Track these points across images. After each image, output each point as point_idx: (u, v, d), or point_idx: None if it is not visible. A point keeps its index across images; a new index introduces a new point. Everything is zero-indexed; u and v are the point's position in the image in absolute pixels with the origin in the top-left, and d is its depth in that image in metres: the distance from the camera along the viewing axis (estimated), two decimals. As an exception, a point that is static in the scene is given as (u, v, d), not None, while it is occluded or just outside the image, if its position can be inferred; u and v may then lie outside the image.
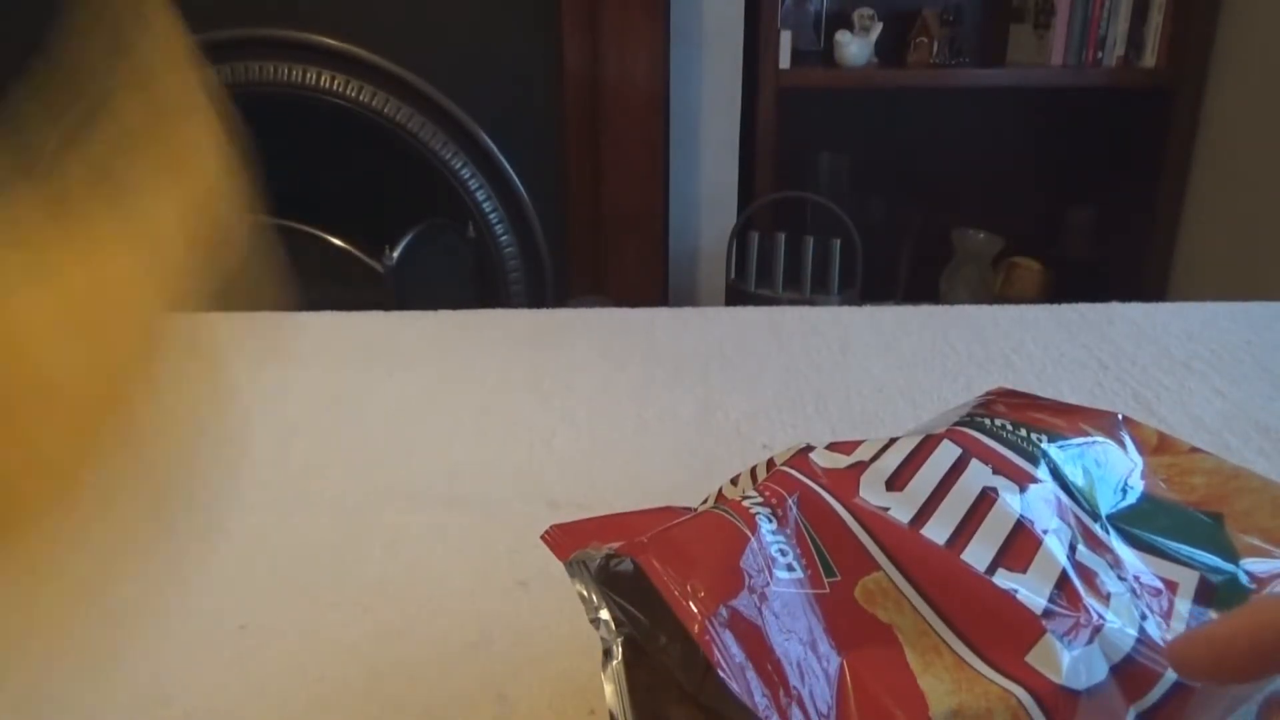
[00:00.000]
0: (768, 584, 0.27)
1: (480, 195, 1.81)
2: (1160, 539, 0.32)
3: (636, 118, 1.82)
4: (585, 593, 0.28)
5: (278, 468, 0.55)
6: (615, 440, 0.58)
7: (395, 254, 1.75)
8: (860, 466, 0.32)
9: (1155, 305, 0.77)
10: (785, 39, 2.03)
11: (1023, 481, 0.31)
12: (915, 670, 0.26)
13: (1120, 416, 0.37)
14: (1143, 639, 0.27)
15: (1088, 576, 0.29)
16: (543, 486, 0.52)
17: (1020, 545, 0.29)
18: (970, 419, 0.35)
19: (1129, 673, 0.27)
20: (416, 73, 1.75)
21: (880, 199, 2.30)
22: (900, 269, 2.32)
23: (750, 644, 0.25)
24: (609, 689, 0.27)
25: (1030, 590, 0.27)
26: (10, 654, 0.17)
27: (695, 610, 0.26)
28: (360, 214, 1.86)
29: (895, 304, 1.56)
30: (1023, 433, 0.34)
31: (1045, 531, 0.29)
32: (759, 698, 0.24)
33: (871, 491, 0.31)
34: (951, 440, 0.33)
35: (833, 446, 0.33)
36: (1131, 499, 0.34)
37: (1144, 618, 0.28)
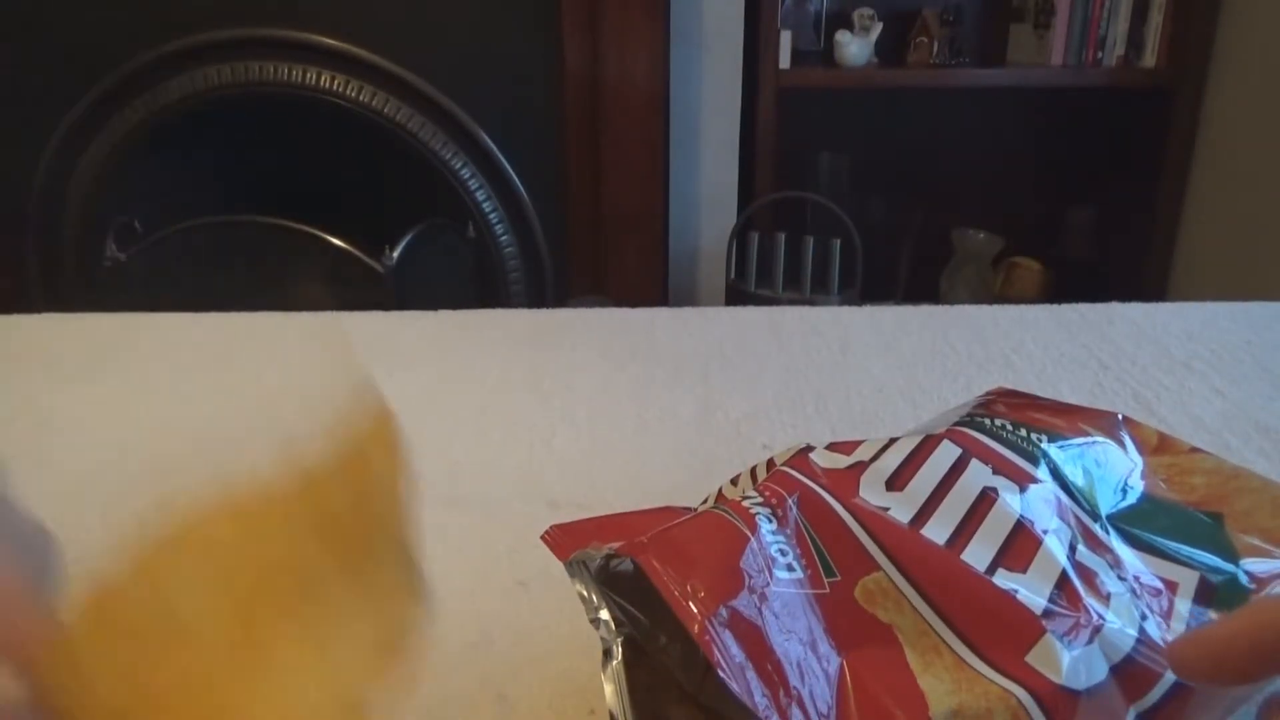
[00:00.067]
0: (768, 584, 0.27)
1: (480, 195, 1.81)
2: (1160, 539, 0.32)
3: (636, 118, 1.82)
4: (585, 593, 0.28)
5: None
6: (615, 440, 0.58)
7: (395, 254, 1.75)
8: (860, 466, 0.32)
9: (1155, 305, 0.77)
10: (785, 39, 2.03)
11: (1023, 481, 0.31)
12: (915, 670, 0.26)
13: (1120, 416, 0.37)
14: (1143, 639, 0.27)
15: (1088, 576, 0.29)
16: (543, 486, 0.52)
17: (1020, 545, 0.29)
18: (970, 419, 0.35)
19: (1129, 673, 0.27)
20: (416, 73, 1.74)
21: (880, 199, 2.30)
22: (900, 269, 2.32)
23: (750, 644, 0.25)
24: (609, 689, 0.27)
25: (1030, 590, 0.27)
26: None
27: (695, 610, 0.26)
28: (360, 214, 1.86)
29: (895, 304, 1.55)
30: (1023, 433, 0.34)
31: (1045, 531, 0.29)
32: (759, 698, 0.24)
33: (871, 491, 0.31)
34: (951, 440, 0.33)
35: (833, 446, 0.33)
36: (1131, 499, 0.34)
37: (1144, 618, 0.28)
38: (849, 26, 2.15)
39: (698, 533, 0.29)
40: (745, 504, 0.30)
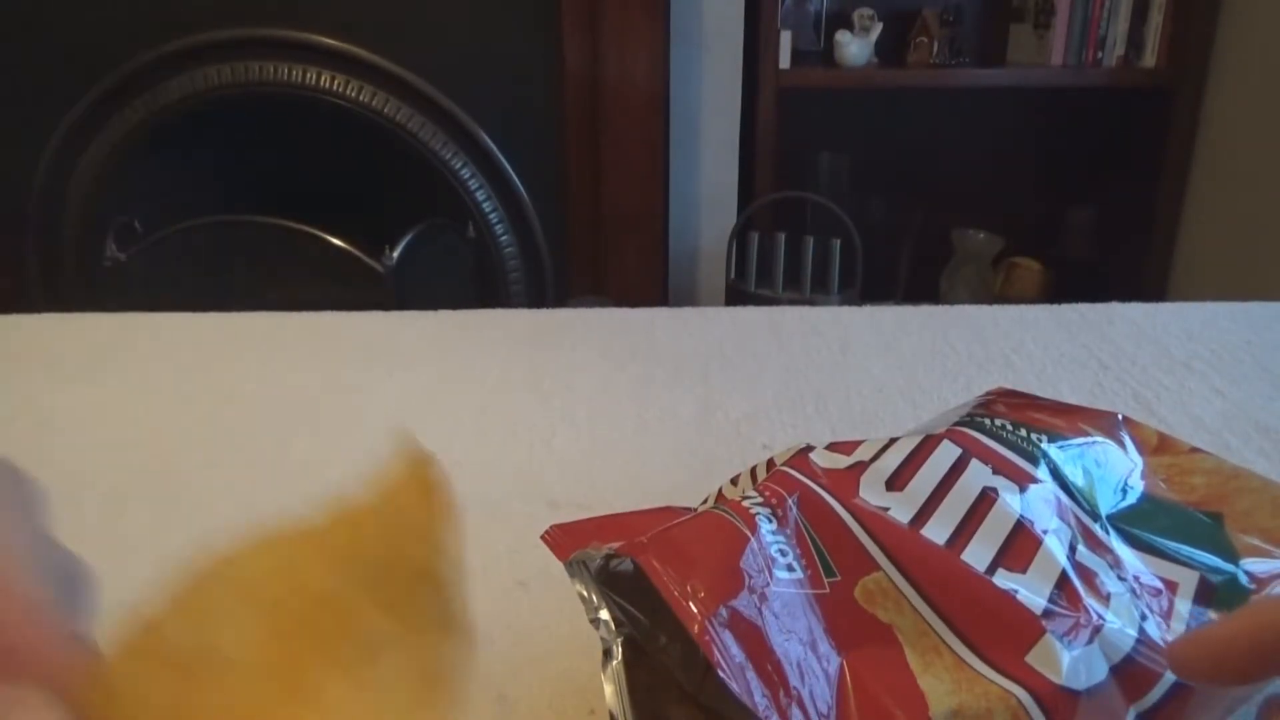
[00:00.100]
0: (768, 584, 0.27)
1: (480, 195, 1.81)
2: (1160, 539, 0.32)
3: (636, 118, 1.82)
4: (585, 593, 0.28)
5: (278, 467, 0.55)
6: (615, 440, 0.58)
7: (395, 254, 1.75)
8: (860, 466, 0.32)
9: (1155, 305, 0.77)
10: (785, 39, 2.03)
11: (1023, 481, 0.31)
12: (915, 670, 0.26)
13: (1120, 416, 0.37)
14: (1143, 639, 0.27)
15: (1088, 576, 0.29)
16: (543, 486, 0.52)
17: (1020, 545, 0.29)
18: (970, 419, 0.35)
19: (1129, 673, 0.27)
20: (416, 73, 1.74)
21: (880, 199, 2.30)
22: (900, 269, 2.32)
23: (750, 644, 0.25)
24: (609, 689, 0.27)
25: (1030, 590, 0.27)
26: None
27: (695, 610, 0.26)
28: (360, 214, 1.86)
29: (895, 304, 1.55)
30: (1023, 433, 0.34)
31: (1045, 531, 0.29)
32: (759, 698, 0.24)
33: (871, 491, 0.31)
34: (951, 440, 0.33)
35: (833, 446, 0.33)
36: (1131, 499, 0.34)
37: (1144, 618, 0.28)
38: (849, 26, 2.15)
39: (698, 533, 0.29)
40: (745, 504, 0.30)
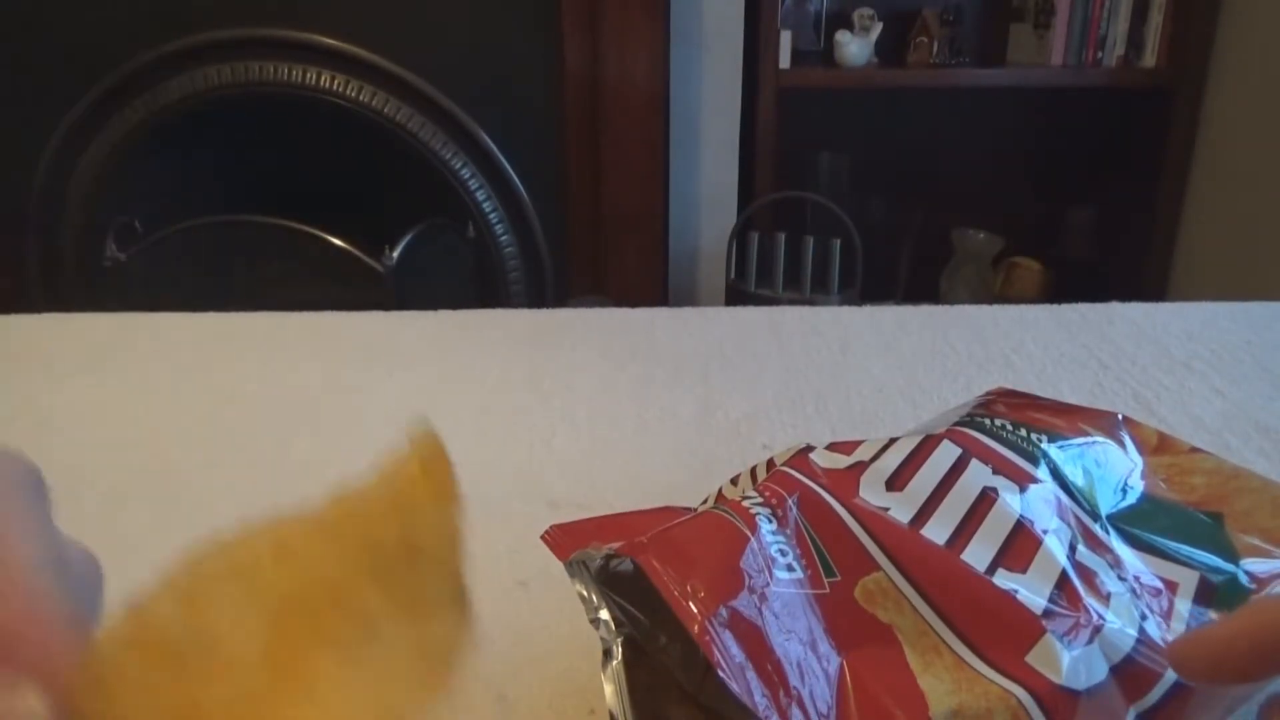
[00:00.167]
0: (768, 584, 0.27)
1: (480, 195, 1.81)
2: (1160, 539, 0.32)
3: (636, 118, 1.82)
4: (585, 593, 0.28)
5: (278, 467, 0.55)
6: (615, 440, 0.58)
7: (395, 254, 1.75)
8: (860, 466, 0.32)
9: (1155, 305, 0.77)
10: (785, 39, 2.03)
11: (1023, 481, 0.31)
12: (915, 670, 0.26)
13: (1120, 416, 0.37)
14: (1143, 639, 0.27)
15: (1088, 576, 0.29)
16: (543, 486, 0.52)
17: (1020, 545, 0.29)
18: (970, 419, 0.35)
19: (1129, 673, 0.27)
20: (416, 73, 1.74)
21: (880, 199, 2.30)
22: (900, 269, 2.32)
23: (750, 644, 0.25)
24: (609, 689, 0.27)
25: (1030, 590, 0.27)
26: None
27: (695, 610, 0.26)
28: (360, 214, 1.86)
29: (895, 304, 1.55)
30: (1023, 433, 0.34)
31: (1045, 531, 0.29)
32: (759, 698, 0.24)
33: (871, 491, 0.31)
34: (951, 440, 0.33)
35: (833, 446, 0.33)
36: (1131, 499, 0.34)
37: (1144, 618, 0.28)
38: (849, 26, 2.15)
39: (698, 533, 0.29)
40: (745, 504, 0.30)
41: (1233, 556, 0.31)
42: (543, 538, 0.31)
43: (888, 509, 0.30)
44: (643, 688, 0.27)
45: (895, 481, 0.31)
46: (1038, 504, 0.30)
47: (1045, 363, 0.68)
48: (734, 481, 0.35)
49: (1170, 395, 0.62)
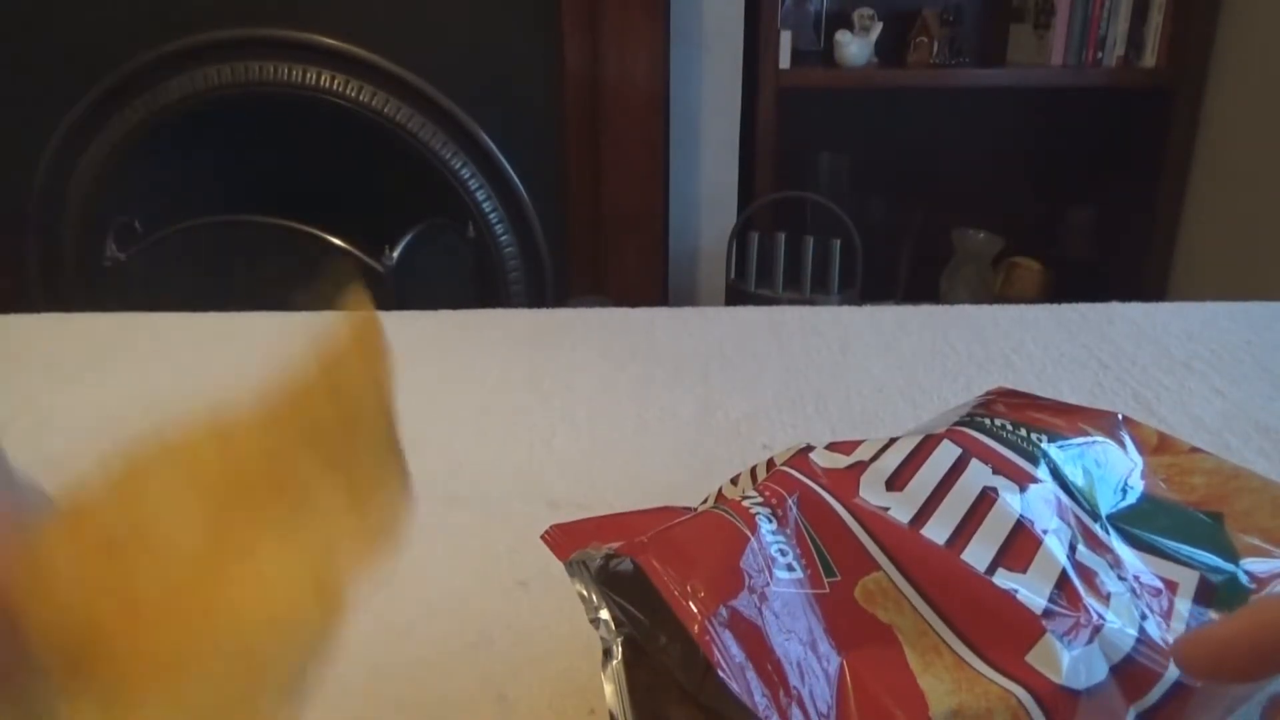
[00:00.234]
0: (768, 584, 0.27)
1: (480, 195, 1.81)
2: (1160, 539, 0.32)
3: (636, 118, 1.82)
4: (585, 593, 0.28)
5: (278, 468, 0.55)
6: (615, 440, 0.58)
7: (395, 254, 1.75)
8: (860, 466, 0.32)
9: (1155, 305, 0.77)
10: (785, 39, 2.03)
11: (1023, 481, 0.31)
12: (915, 670, 0.26)
13: (1120, 416, 0.37)
14: (1143, 639, 0.27)
15: (1088, 576, 0.29)
16: (543, 486, 0.52)
17: (1020, 545, 0.29)
18: (970, 419, 0.35)
19: (1129, 673, 0.27)
20: (416, 73, 1.74)
21: (880, 199, 2.30)
22: (900, 269, 2.32)
23: (750, 644, 0.25)
24: (609, 689, 0.27)
25: (1030, 590, 0.27)
26: None
27: (695, 610, 0.26)
28: (360, 214, 1.86)
29: (895, 304, 1.55)
30: (1023, 433, 0.34)
31: (1045, 531, 0.29)
32: (759, 698, 0.24)
33: (871, 491, 0.31)
34: (951, 440, 0.33)
35: (833, 446, 0.33)
36: (1131, 499, 0.34)
37: (1144, 618, 0.28)
38: (849, 26, 2.15)
39: (698, 533, 0.29)
40: (745, 504, 0.30)
41: (1233, 556, 0.31)
42: (543, 538, 0.31)
43: (888, 509, 0.30)
44: (643, 688, 0.27)
45: (895, 481, 0.31)
46: (1038, 504, 0.30)
47: (1045, 363, 0.68)
48: (734, 481, 0.35)
49: (1170, 395, 0.62)
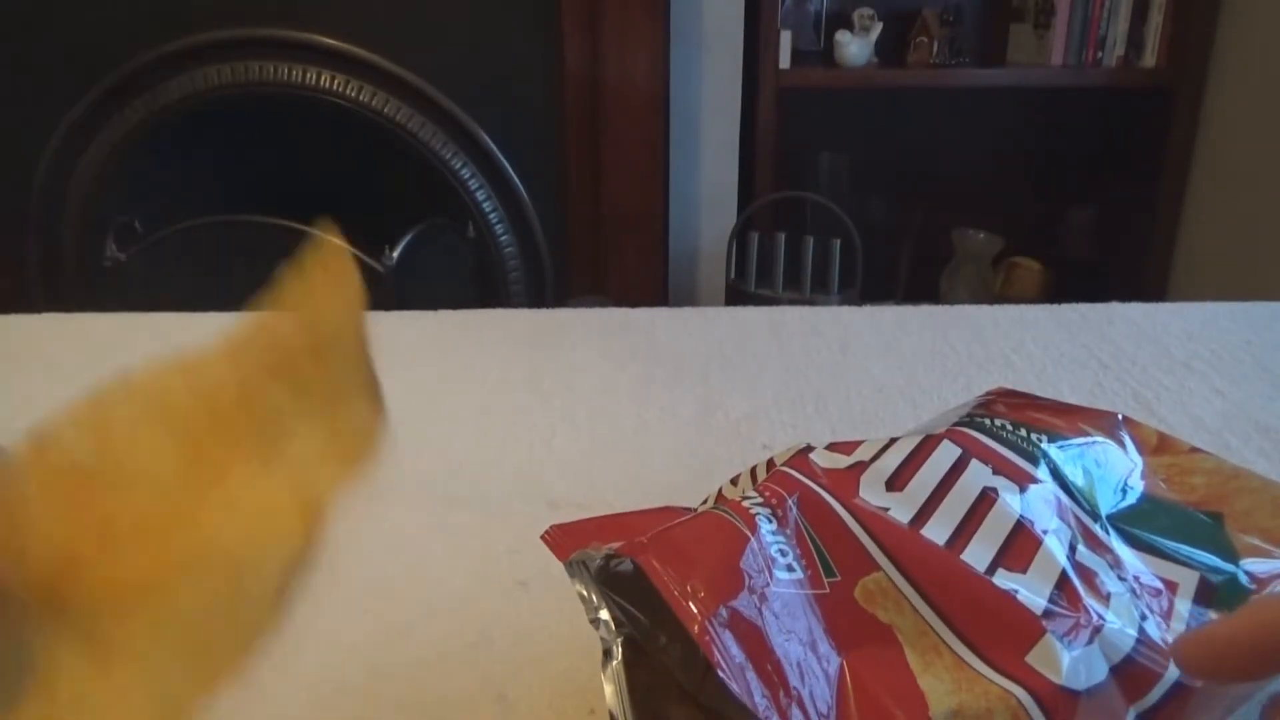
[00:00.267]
0: (768, 584, 0.27)
1: (480, 195, 1.81)
2: (1160, 539, 0.32)
3: (636, 118, 1.82)
4: (585, 593, 0.28)
5: (278, 468, 0.55)
6: (615, 440, 0.58)
7: (395, 254, 1.75)
8: (860, 467, 0.32)
9: (1155, 305, 0.77)
10: (785, 39, 2.03)
11: (1023, 481, 0.31)
12: (915, 670, 0.26)
13: (1120, 416, 0.37)
14: (1143, 639, 0.27)
15: (1088, 577, 0.29)
16: (543, 486, 0.52)
17: (1020, 545, 0.29)
18: (970, 419, 0.35)
19: (1129, 673, 0.27)
20: (416, 73, 1.75)
21: (880, 199, 2.30)
22: (900, 269, 2.32)
23: (750, 644, 0.25)
24: (609, 689, 0.27)
25: (1030, 590, 0.27)
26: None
27: (695, 610, 0.26)
28: (360, 214, 1.86)
29: (895, 304, 1.55)
30: (1023, 433, 0.34)
31: (1045, 531, 0.29)
32: (759, 698, 0.24)
33: (871, 491, 0.31)
34: (951, 440, 0.33)
35: (833, 447, 0.33)
36: (1131, 499, 0.34)
37: (1144, 618, 0.28)
38: (849, 26, 2.15)
39: (698, 533, 0.29)
40: (745, 504, 0.30)
41: (1233, 556, 0.31)
42: (543, 538, 0.31)
43: (888, 509, 0.30)
44: (643, 688, 0.27)
45: (895, 481, 0.31)
46: (1038, 504, 0.30)
47: (1045, 363, 0.68)
48: (734, 481, 0.35)
49: (1170, 395, 0.62)
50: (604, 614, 0.28)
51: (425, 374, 0.67)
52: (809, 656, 0.26)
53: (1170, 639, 0.28)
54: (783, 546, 0.29)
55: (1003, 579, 0.28)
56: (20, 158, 1.79)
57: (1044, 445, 0.33)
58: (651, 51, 1.79)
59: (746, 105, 2.02)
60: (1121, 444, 0.36)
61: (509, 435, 0.58)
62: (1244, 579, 0.30)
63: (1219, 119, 2.02)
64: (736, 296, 2.02)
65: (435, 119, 1.76)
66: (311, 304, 0.20)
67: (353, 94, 1.74)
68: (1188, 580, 0.30)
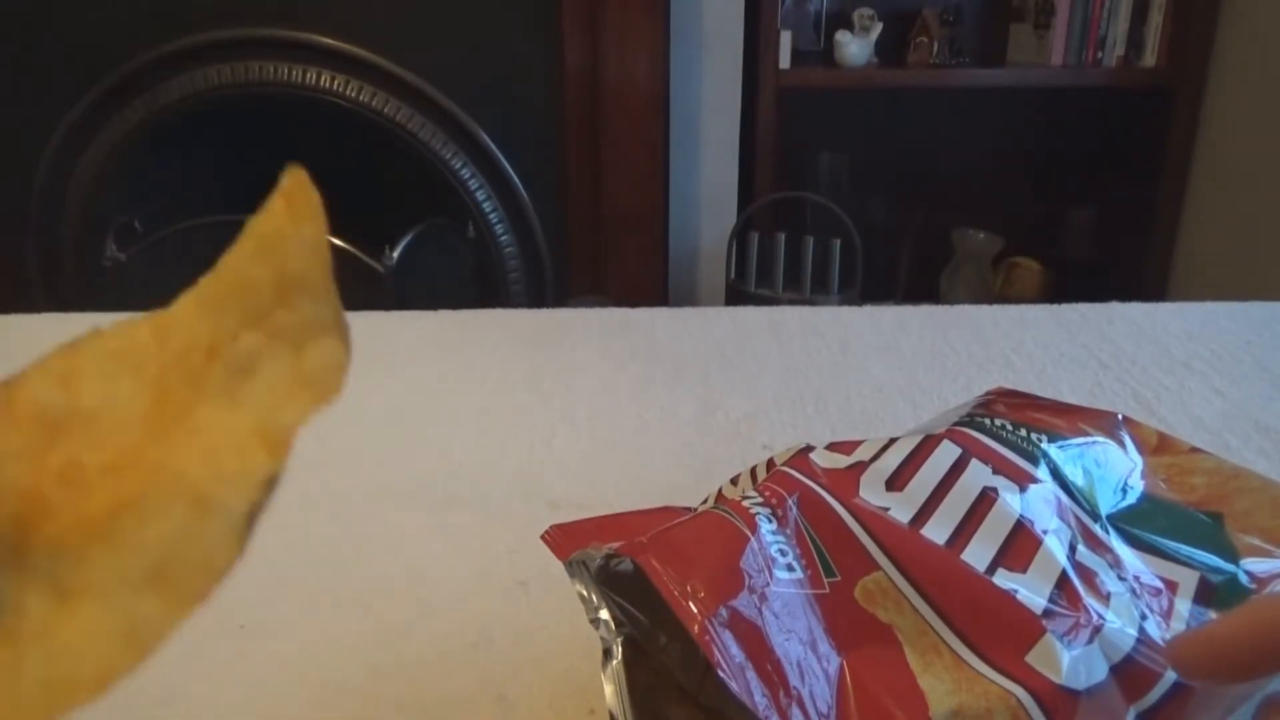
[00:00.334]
0: (768, 584, 0.27)
1: (480, 195, 1.81)
2: (1160, 539, 0.32)
3: (636, 118, 1.82)
4: (585, 593, 0.28)
5: (278, 468, 0.55)
6: (615, 440, 0.58)
7: (395, 254, 1.75)
8: (860, 466, 0.32)
9: (1155, 305, 0.77)
10: (785, 39, 2.03)
11: (1023, 481, 0.31)
12: (915, 670, 0.26)
13: (1120, 416, 0.38)
14: (1143, 639, 0.27)
15: (1088, 576, 0.29)
16: (543, 486, 0.52)
17: (1020, 545, 0.29)
18: (970, 419, 0.35)
19: (1129, 673, 0.27)
20: (416, 73, 1.75)
21: (880, 199, 2.30)
22: (900, 269, 2.32)
23: (750, 644, 0.25)
24: (609, 689, 0.27)
25: (1030, 590, 0.27)
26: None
27: (695, 610, 0.26)
28: (360, 214, 1.86)
29: (895, 304, 1.55)
30: (1023, 433, 0.34)
31: (1045, 531, 0.29)
32: (759, 698, 0.24)
33: (871, 491, 0.31)
34: (951, 440, 0.33)
35: (833, 446, 0.33)
36: (1131, 499, 0.34)
37: (1144, 618, 0.28)
38: (849, 26, 2.15)
39: (698, 533, 0.29)
40: (745, 504, 0.30)
41: (1233, 556, 0.31)
42: (543, 538, 0.31)
43: (888, 509, 0.30)
44: (643, 688, 0.27)
45: (895, 481, 0.31)
46: (1038, 504, 0.30)
47: (1045, 363, 0.68)
48: (734, 481, 0.35)
49: (1170, 395, 0.62)
50: (604, 614, 0.28)
51: (425, 374, 0.67)
52: (809, 656, 0.26)
53: (1170, 639, 0.28)
54: (783, 546, 0.29)
55: (1003, 579, 0.28)
56: (20, 158, 1.79)
57: (1044, 445, 0.33)
58: (651, 51, 1.79)
59: (746, 105, 2.02)
60: (1121, 444, 0.36)
61: (509, 435, 0.58)
62: (1244, 579, 0.30)
63: (1219, 119, 2.02)
64: (736, 296, 2.02)
65: (435, 119, 1.76)
66: (278, 243, 0.20)
67: (353, 94, 1.74)
68: (1188, 580, 0.30)
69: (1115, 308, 0.77)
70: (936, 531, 0.29)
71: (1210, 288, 2.03)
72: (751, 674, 0.25)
